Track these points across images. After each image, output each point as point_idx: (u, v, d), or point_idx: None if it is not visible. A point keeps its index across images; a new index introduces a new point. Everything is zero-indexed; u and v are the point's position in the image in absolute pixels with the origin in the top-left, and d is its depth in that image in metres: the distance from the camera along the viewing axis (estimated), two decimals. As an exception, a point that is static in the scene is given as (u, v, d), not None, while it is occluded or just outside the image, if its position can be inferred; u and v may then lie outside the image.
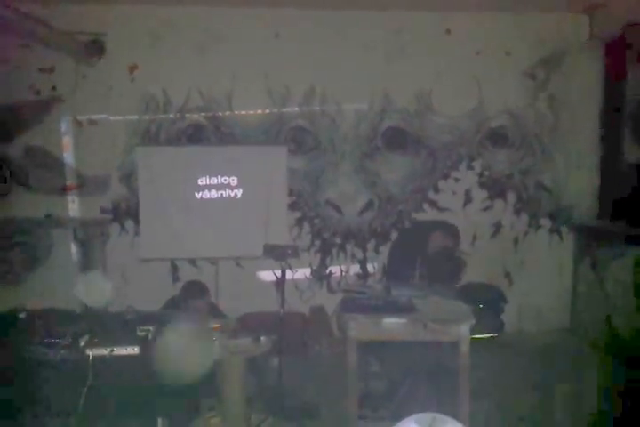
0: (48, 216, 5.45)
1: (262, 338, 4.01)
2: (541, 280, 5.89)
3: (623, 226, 5.10)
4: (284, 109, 5.64)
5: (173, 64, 5.47)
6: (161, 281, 5.53)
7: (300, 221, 5.77)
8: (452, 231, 5.29)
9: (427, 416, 1.64)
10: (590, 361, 4.91)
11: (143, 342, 2.78)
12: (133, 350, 2.73)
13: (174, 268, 5.64)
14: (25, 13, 4.27)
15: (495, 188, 5.90)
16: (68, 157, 5.53)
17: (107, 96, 5.46)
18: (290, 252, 4.13)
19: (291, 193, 5.65)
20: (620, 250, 4.99)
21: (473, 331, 3.52)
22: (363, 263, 5.85)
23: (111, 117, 5.51)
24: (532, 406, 4.11)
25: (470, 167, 5.86)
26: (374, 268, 5.84)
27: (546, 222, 5.96)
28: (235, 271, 5.63)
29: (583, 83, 5.77)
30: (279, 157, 5.50)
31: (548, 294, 5.88)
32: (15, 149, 5.44)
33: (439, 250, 4.92)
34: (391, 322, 3.53)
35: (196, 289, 5.34)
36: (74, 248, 5.55)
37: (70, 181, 5.54)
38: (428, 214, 5.83)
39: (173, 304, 5.28)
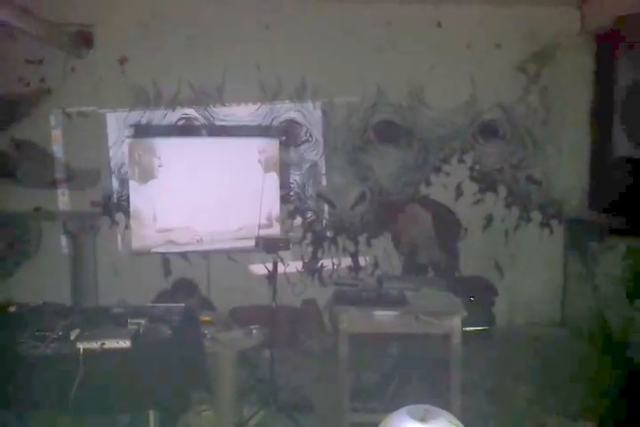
0: (37, 209, 5.41)
1: (254, 331, 4.02)
2: (532, 273, 5.92)
3: (613, 219, 5.13)
4: (276, 102, 5.62)
5: (164, 56, 5.42)
6: (152, 275, 5.52)
7: (291, 214, 5.76)
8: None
9: (419, 408, 1.65)
10: (581, 354, 4.94)
11: (134, 336, 2.77)
12: (124, 344, 2.71)
13: (165, 261, 5.62)
14: (12, 4, 4.21)
15: (486, 181, 5.91)
16: (58, 149, 5.48)
17: (96, 88, 5.41)
18: (282, 245, 4.12)
19: (282, 186, 5.64)
20: (610, 243, 5.02)
21: (464, 324, 3.54)
22: (354, 256, 5.86)
23: (101, 110, 5.46)
24: (523, 399, 4.14)
25: (462, 161, 5.86)
26: (366, 261, 5.85)
27: (536, 216, 5.98)
28: (226, 265, 5.61)
29: (574, 76, 5.78)
30: (271, 150, 5.48)
31: (538, 286, 5.91)
32: (3, 142, 5.39)
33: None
34: (383, 315, 3.54)
35: (185, 287, 5.36)
36: (63, 241, 5.52)
37: (60, 174, 5.50)
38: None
39: (165, 298, 5.28)
